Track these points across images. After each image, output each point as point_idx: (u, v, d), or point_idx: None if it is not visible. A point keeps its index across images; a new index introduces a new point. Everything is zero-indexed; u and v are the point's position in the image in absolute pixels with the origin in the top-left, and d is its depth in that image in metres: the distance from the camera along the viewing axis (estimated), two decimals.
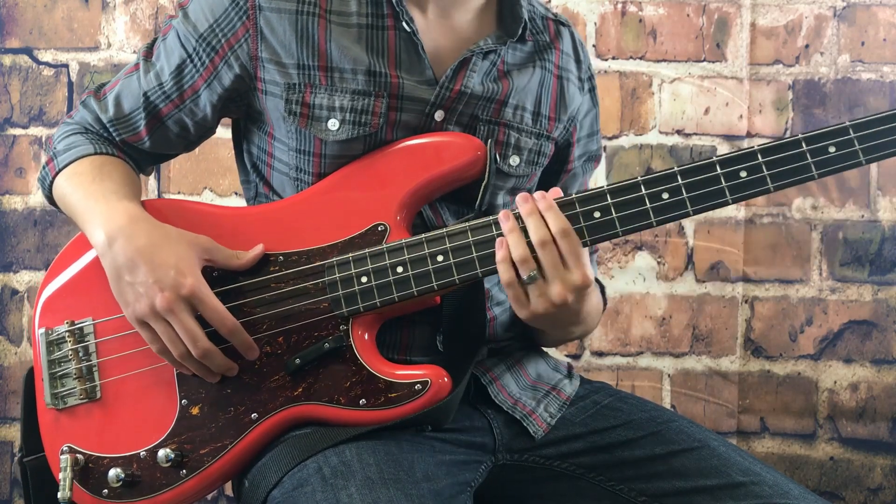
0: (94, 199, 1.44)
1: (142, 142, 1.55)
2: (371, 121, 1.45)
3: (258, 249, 1.43)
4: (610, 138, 2.38)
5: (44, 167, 1.55)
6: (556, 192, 1.38)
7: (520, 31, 1.53)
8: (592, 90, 1.67)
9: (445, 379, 1.38)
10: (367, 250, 1.41)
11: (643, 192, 1.38)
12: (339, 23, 1.47)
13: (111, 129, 1.55)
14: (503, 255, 1.35)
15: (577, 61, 1.63)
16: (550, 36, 1.59)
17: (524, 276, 1.34)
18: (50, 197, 1.55)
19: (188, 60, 1.50)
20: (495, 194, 1.52)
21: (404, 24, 1.47)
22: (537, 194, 1.37)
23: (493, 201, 1.52)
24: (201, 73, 1.49)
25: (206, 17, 1.49)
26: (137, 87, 1.53)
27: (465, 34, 1.52)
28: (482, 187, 1.44)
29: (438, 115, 1.47)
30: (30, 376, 1.51)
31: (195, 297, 1.36)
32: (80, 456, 1.44)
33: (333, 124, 1.45)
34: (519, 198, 1.36)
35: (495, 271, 1.39)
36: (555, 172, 1.64)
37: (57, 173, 1.51)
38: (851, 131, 1.35)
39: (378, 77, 1.45)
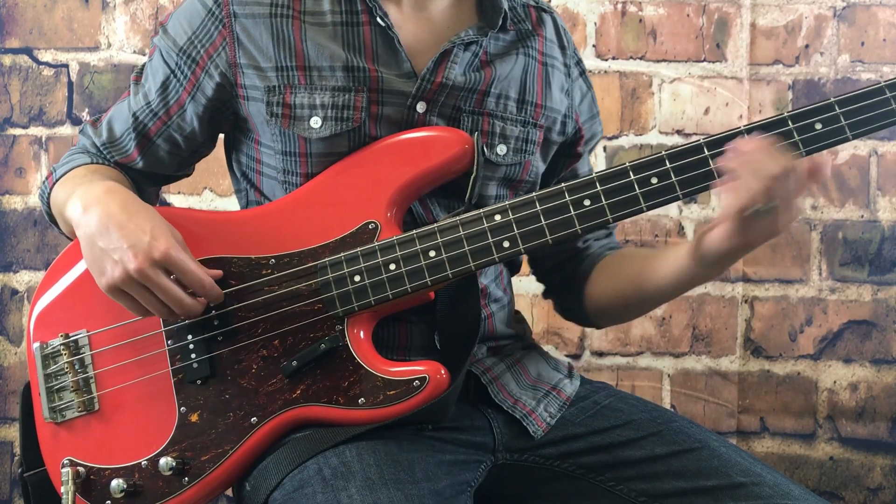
0: (80, 187, 1.45)
1: (134, 162, 1.56)
2: (353, 116, 1.45)
3: (216, 273, 1.41)
4: (610, 138, 2.38)
5: (43, 183, 1.57)
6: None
7: (500, 22, 1.53)
8: (583, 74, 1.67)
9: (443, 373, 1.38)
10: (358, 249, 1.41)
11: (632, 177, 1.38)
12: (313, 22, 1.47)
13: (105, 153, 1.57)
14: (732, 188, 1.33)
15: (562, 47, 1.63)
16: (532, 23, 1.59)
17: (763, 206, 1.32)
18: (49, 212, 1.57)
19: (172, 76, 1.51)
20: (487, 185, 1.52)
21: (378, 19, 1.47)
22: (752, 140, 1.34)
23: (485, 192, 1.52)
24: (185, 86, 1.51)
25: (184, 31, 1.50)
26: (127, 109, 1.55)
27: (443, 25, 1.52)
28: (471, 180, 1.44)
29: (420, 107, 1.47)
30: (27, 391, 1.51)
31: (169, 259, 1.35)
32: (81, 469, 1.43)
33: (316, 122, 1.45)
34: (739, 143, 1.34)
35: (488, 264, 1.40)
36: (566, 156, 1.65)
37: (54, 184, 1.53)
38: (837, 107, 1.36)
39: (356, 72, 1.45)
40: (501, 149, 1.52)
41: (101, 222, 1.37)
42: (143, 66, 1.57)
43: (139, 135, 1.55)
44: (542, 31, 1.60)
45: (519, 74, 1.55)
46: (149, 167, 1.57)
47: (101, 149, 1.57)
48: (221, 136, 1.62)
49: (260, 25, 1.47)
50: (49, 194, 1.54)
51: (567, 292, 1.67)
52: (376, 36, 1.48)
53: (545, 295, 1.75)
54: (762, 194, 1.31)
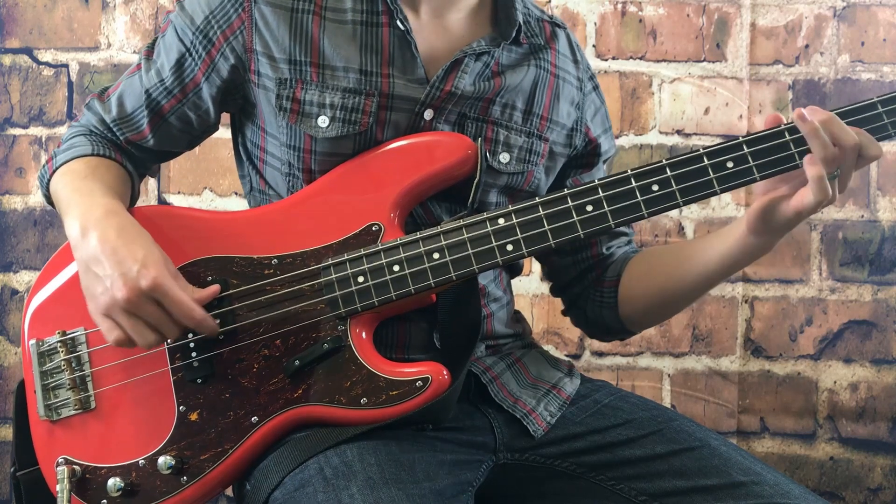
0: (78, 194, 1.44)
1: (145, 140, 1.55)
2: (361, 119, 1.45)
3: (214, 289, 1.42)
4: None
5: (43, 166, 1.55)
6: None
7: (514, 34, 1.53)
8: (596, 88, 1.67)
9: (445, 374, 1.38)
10: (362, 250, 1.41)
11: (633, 184, 1.40)
12: (333, 19, 1.47)
13: (115, 129, 1.55)
14: (815, 160, 1.34)
15: (575, 61, 1.63)
16: (546, 38, 1.59)
17: (830, 173, 1.35)
18: (48, 196, 1.56)
19: (187, 54, 1.50)
20: (487, 192, 1.52)
21: (399, 22, 1.47)
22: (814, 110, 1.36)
23: (485, 199, 1.52)
24: (199, 65, 1.50)
25: (201, 9, 1.49)
26: (139, 85, 1.54)
27: (458, 34, 1.52)
28: (474, 185, 1.45)
29: (427, 114, 1.47)
30: (21, 388, 1.50)
31: (158, 290, 1.34)
32: (76, 467, 1.42)
33: (323, 121, 1.45)
34: (799, 114, 1.35)
35: (492, 267, 1.41)
36: (579, 166, 1.65)
37: (54, 171, 1.52)
38: (879, 106, 1.38)
39: (370, 77, 1.46)
40: (504, 157, 1.52)
41: (97, 248, 1.36)
42: (155, 41, 1.55)
43: (151, 112, 1.53)
44: (556, 44, 1.60)
45: (528, 86, 1.55)
46: (159, 145, 1.56)
47: (112, 125, 1.55)
48: (227, 131, 1.62)
49: (279, 15, 1.46)
50: (49, 181, 1.53)
51: (596, 302, 1.65)
52: (394, 39, 1.48)
53: (565, 312, 1.73)
54: (836, 161, 1.34)
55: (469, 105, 1.50)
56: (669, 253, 1.60)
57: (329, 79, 1.46)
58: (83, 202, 1.42)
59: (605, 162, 1.69)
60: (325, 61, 1.46)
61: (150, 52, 1.55)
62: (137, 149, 1.56)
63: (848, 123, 1.36)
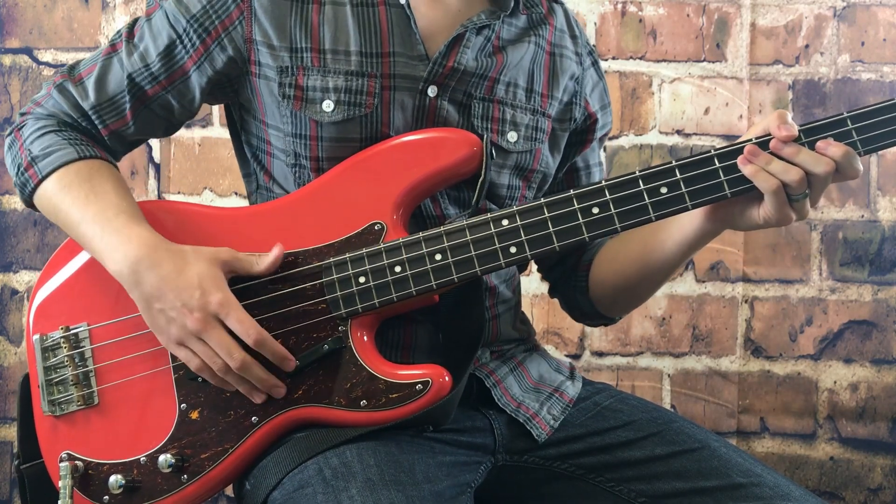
0: (99, 226, 1.40)
1: (126, 127, 1.51)
2: (366, 101, 1.45)
3: (277, 251, 1.41)
4: (610, 138, 2.38)
5: (21, 172, 1.47)
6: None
7: (512, 4, 1.53)
8: (595, 64, 1.67)
9: (446, 378, 1.38)
10: (364, 250, 1.40)
11: (641, 186, 1.37)
12: (332, 3, 1.47)
13: (93, 117, 1.50)
14: (770, 185, 1.33)
15: (573, 37, 1.63)
16: (544, 11, 1.59)
17: (796, 195, 1.34)
18: (29, 202, 1.50)
19: (178, 41, 1.48)
20: (499, 173, 1.51)
21: None
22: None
23: (497, 180, 1.51)
24: (191, 54, 1.48)
25: None
26: (120, 69, 1.49)
27: (455, 8, 1.52)
28: (479, 184, 1.43)
29: (431, 91, 1.47)
30: (25, 382, 1.50)
31: (221, 311, 1.35)
32: (79, 463, 1.43)
33: (328, 105, 1.45)
34: (746, 153, 1.34)
35: (494, 269, 1.40)
36: (578, 143, 1.64)
37: (40, 181, 1.45)
38: (849, 122, 1.35)
39: (371, 58, 1.45)
40: (512, 136, 1.52)
41: (154, 286, 1.36)
42: (135, 23, 1.51)
43: (134, 98, 1.49)
44: (553, 20, 1.60)
45: (527, 64, 1.55)
46: (139, 132, 1.52)
47: (90, 112, 1.49)
48: (227, 131, 1.61)
49: (279, 5, 1.46)
50: (33, 190, 1.47)
51: (571, 286, 1.67)
52: (392, 16, 1.47)
53: (551, 293, 1.75)
54: (799, 188, 1.34)
55: (474, 84, 1.49)
56: (634, 239, 1.58)
57: (330, 63, 1.45)
58: (114, 240, 1.39)
59: (600, 140, 1.68)
60: (325, 46, 1.46)
61: (130, 34, 1.51)
62: (115, 137, 1.51)
63: (866, 126, 1.33)
